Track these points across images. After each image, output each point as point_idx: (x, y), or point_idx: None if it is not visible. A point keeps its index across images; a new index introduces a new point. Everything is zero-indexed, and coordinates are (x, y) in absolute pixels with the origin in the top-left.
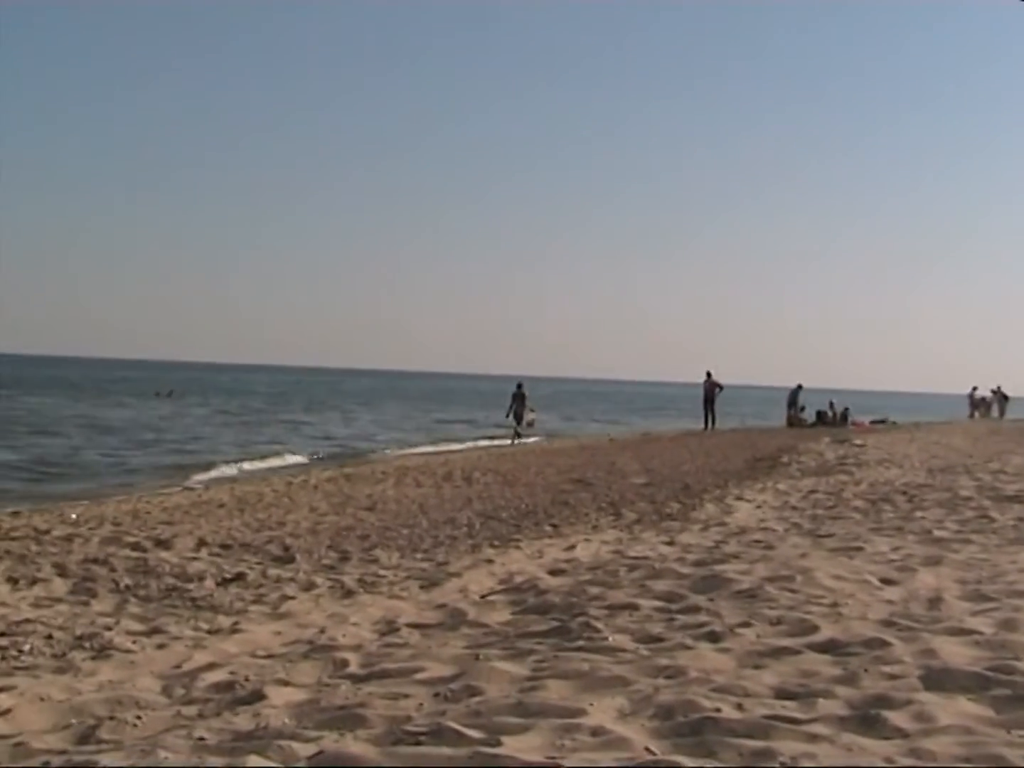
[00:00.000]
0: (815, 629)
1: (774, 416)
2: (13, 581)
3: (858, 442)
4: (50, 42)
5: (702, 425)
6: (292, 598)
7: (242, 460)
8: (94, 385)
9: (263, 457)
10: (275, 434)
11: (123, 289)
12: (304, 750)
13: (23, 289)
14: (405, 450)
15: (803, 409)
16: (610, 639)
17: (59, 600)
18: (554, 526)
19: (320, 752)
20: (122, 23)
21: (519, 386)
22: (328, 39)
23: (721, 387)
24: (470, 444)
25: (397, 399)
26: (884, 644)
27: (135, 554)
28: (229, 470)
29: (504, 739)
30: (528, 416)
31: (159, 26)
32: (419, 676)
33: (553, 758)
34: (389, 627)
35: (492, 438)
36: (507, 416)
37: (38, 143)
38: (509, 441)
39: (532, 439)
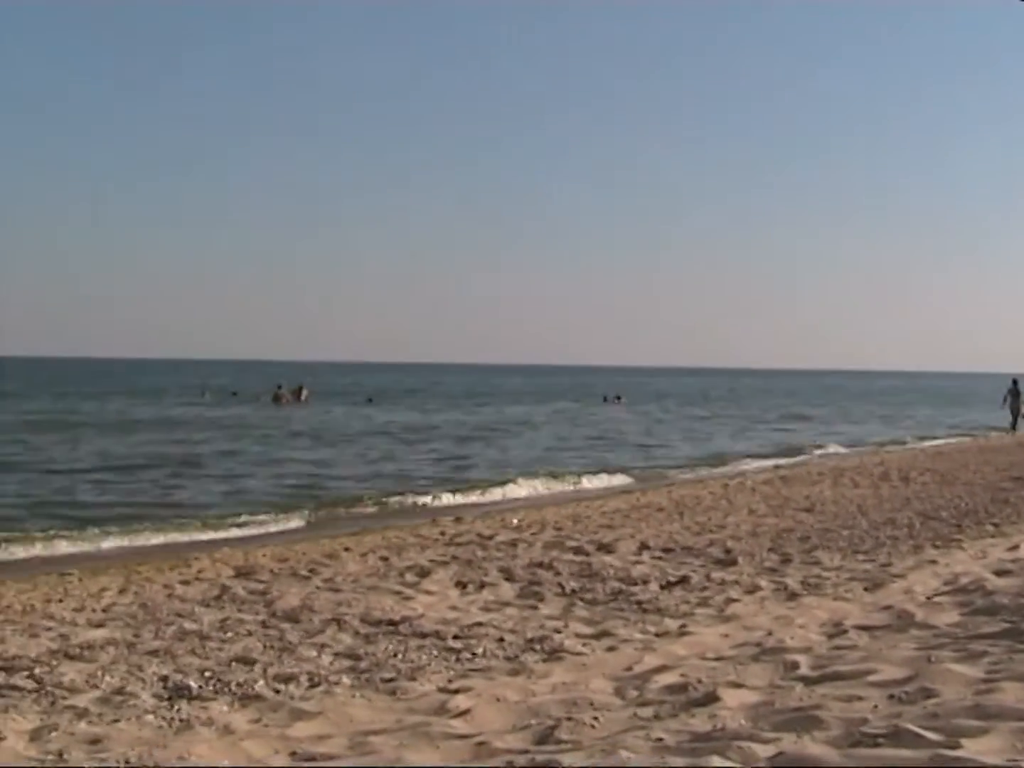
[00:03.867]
0: None
1: None
2: (462, 586)
3: None
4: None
5: None
6: (737, 601)
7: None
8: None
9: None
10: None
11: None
12: (763, 751)
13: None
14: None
15: None
16: None
17: (507, 604)
18: (995, 525)
19: (780, 753)
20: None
21: (1014, 383)
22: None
23: None
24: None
25: (856, 399)
26: None
27: (578, 558)
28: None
29: (963, 741)
30: (1023, 409)
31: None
32: (871, 678)
33: (1015, 761)
34: (836, 629)
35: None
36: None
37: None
38: (1007, 431)
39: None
